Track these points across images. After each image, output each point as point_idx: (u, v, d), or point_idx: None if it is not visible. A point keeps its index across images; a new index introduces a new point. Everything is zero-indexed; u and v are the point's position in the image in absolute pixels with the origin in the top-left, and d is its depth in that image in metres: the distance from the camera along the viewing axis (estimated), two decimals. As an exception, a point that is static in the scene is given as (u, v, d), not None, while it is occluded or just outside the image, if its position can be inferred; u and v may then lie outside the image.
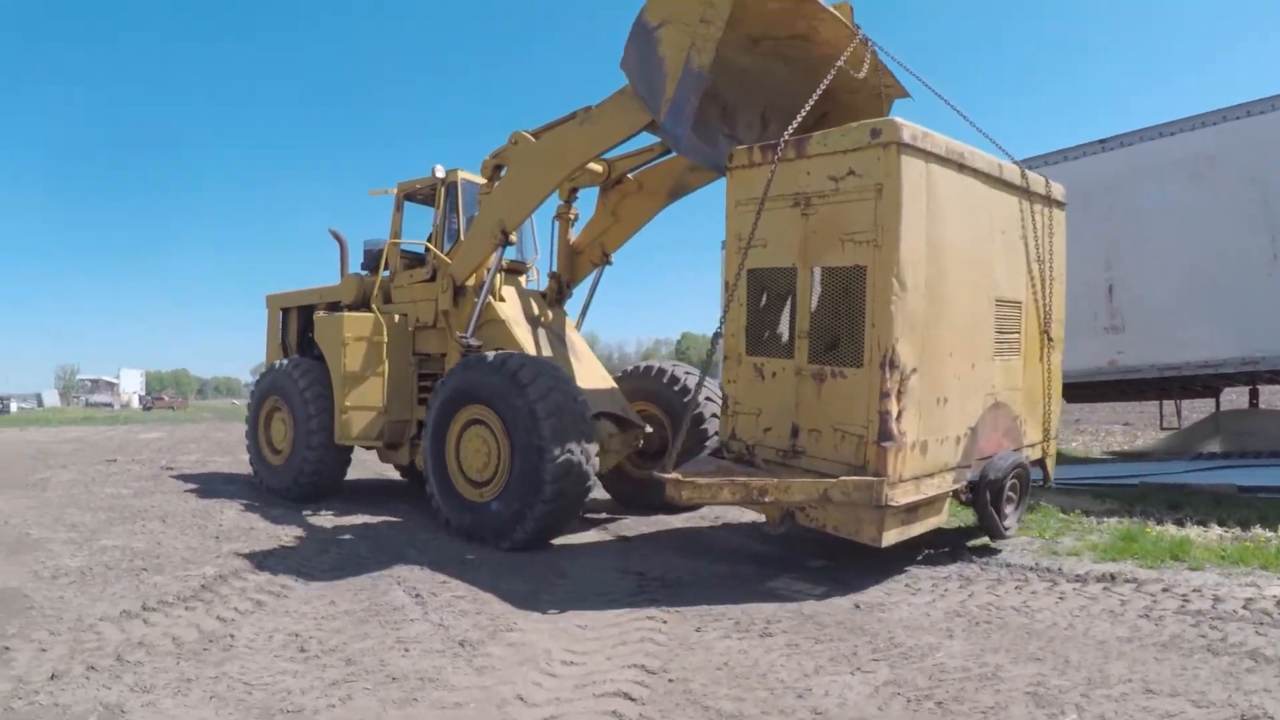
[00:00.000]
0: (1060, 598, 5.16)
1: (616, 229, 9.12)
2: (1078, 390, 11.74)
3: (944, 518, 5.98)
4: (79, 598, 5.47)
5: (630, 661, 4.22)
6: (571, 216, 9.50)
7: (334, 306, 10.05)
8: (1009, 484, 6.15)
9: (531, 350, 8.34)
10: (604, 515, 8.73)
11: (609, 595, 5.51)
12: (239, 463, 11.82)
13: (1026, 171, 6.51)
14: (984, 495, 5.99)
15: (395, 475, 11.93)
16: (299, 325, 11.16)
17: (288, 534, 7.65)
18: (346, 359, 8.88)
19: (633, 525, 8.14)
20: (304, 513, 8.79)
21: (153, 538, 7.48)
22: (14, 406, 57.05)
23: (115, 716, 3.59)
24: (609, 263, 9.40)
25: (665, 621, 4.88)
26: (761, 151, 5.94)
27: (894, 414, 5.23)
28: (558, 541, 7.22)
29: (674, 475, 5.43)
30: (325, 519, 8.50)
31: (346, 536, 7.56)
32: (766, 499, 5.42)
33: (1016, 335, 6.45)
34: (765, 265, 5.97)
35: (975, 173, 5.90)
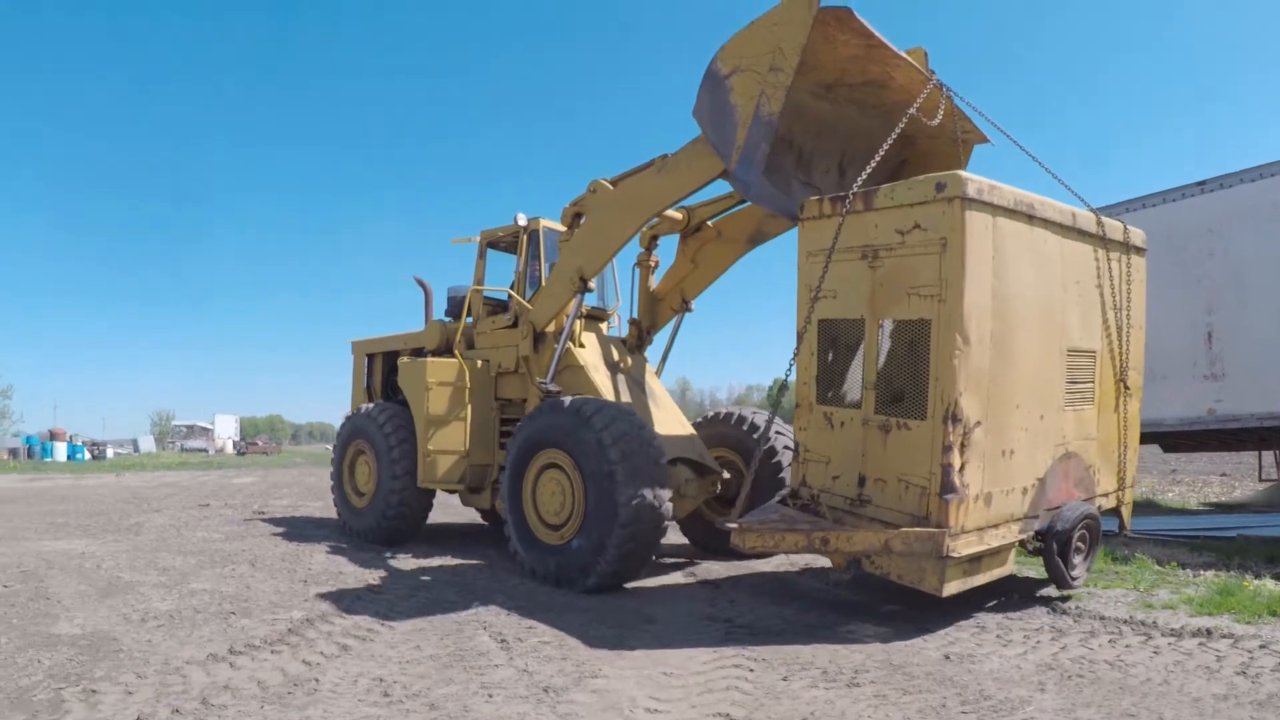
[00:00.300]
0: (1155, 652, 5.05)
1: (696, 275, 9.19)
2: (1174, 439, 11.41)
3: (1009, 568, 5.97)
4: (167, 641, 5.54)
5: (715, 710, 4.18)
6: (652, 264, 9.59)
7: (418, 352, 10.34)
8: (1077, 535, 6.09)
9: (610, 396, 8.49)
10: (684, 559, 8.85)
11: (695, 641, 5.50)
12: (330, 508, 12.04)
13: (1103, 218, 6.45)
14: (1051, 546, 5.96)
15: (478, 519, 12.19)
16: (383, 370, 11.49)
17: (375, 578, 7.79)
18: (429, 403, 9.11)
19: (716, 570, 8.18)
20: (391, 557, 8.95)
21: (242, 581, 7.62)
22: (110, 452, 58.11)
23: (197, 762, 3.59)
24: (689, 309, 9.47)
25: (751, 669, 4.85)
26: (831, 203, 6.05)
27: (956, 467, 5.28)
28: (644, 587, 7.33)
29: (738, 524, 5.59)
30: (412, 563, 8.64)
31: (433, 580, 7.69)
32: (830, 548, 5.53)
33: (1090, 384, 6.39)
34: (835, 316, 6.06)
35: (1046, 223, 5.90)
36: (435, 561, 8.75)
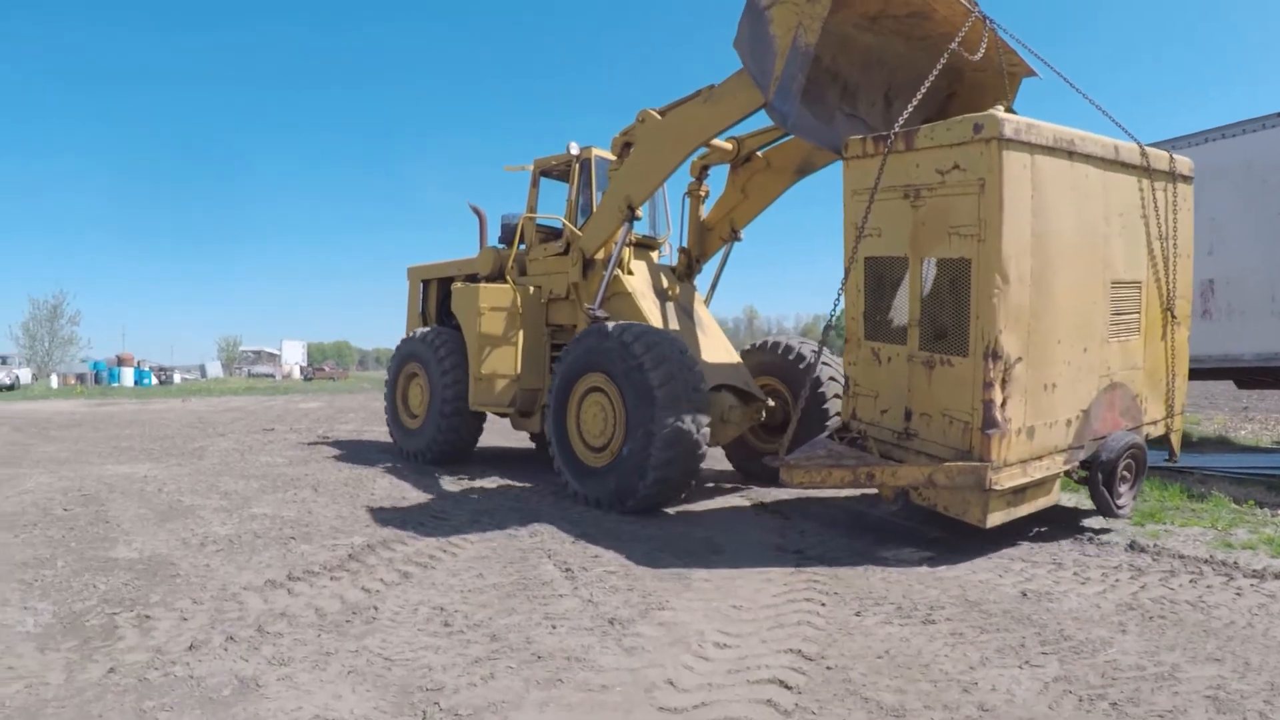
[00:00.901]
0: (1237, 594, 4.88)
1: (745, 205, 9.34)
2: (1250, 376, 11.18)
3: (1054, 498, 6.13)
4: (225, 566, 5.52)
5: (786, 646, 4.06)
6: (702, 193, 9.77)
7: (472, 278, 10.63)
8: (1122, 464, 6.20)
9: (657, 322, 8.70)
10: (745, 485, 8.96)
11: (766, 574, 5.40)
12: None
13: (1147, 149, 6.41)
14: (1096, 476, 6.10)
15: (529, 443, 12.35)
16: (438, 296, 11.79)
17: (439, 505, 7.70)
18: (481, 328, 9.43)
19: (783, 497, 8.10)
20: (455, 483, 8.96)
21: (303, 506, 7.58)
22: (178, 377, 58.34)
23: (250, 690, 3.54)
24: (738, 239, 9.63)
25: (823, 604, 4.72)
26: (874, 143, 6.14)
27: (998, 402, 5.44)
28: (711, 512, 7.41)
29: (785, 460, 5.85)
30: (474, 487, 8.65)
31: (497, 506, 7.62)
32: (875, 482, 5.76)
33: (1135, 315, 6.44)
34: (879, 254, 6.20)
35: (1088, 158, 5.92)
36: (496, 484, 8.80)
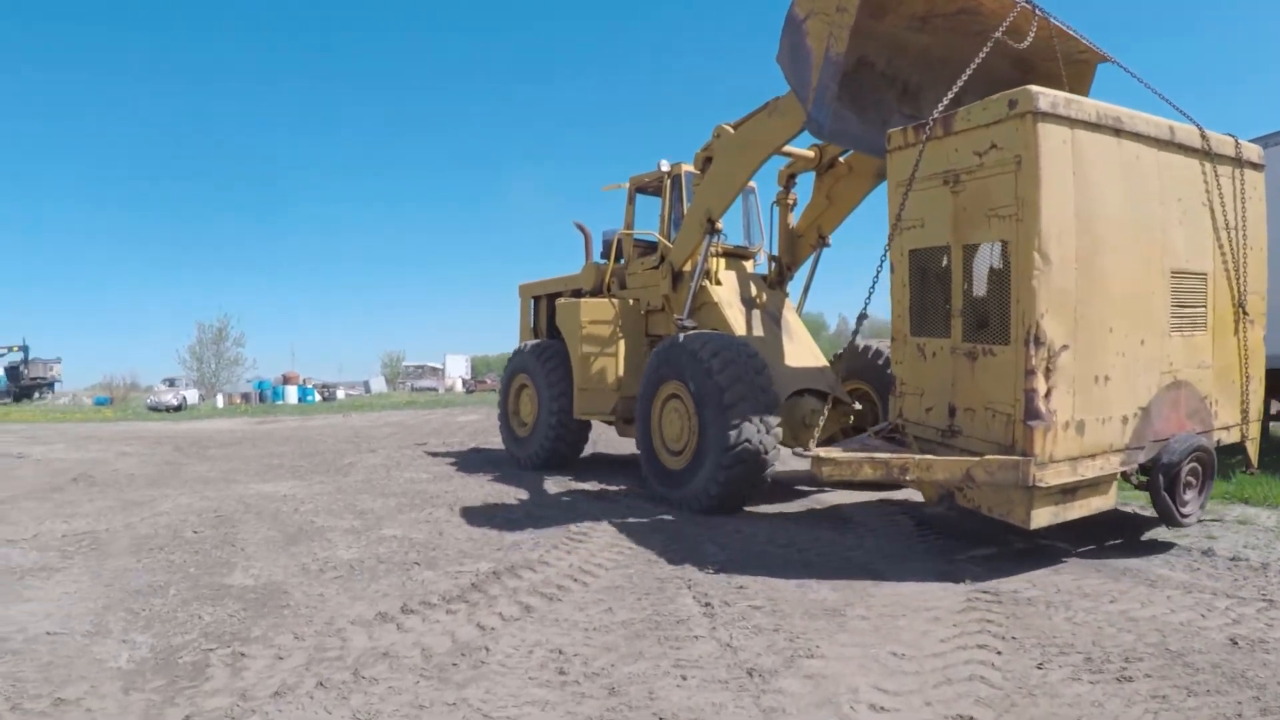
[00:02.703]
0: None
1: (831, 211, 9.39)
2: None
3: (1111, 500, 5.67)
4: (339, 595, 5.29)
5: (956, 711, 3.46)
6: (790, 201, 9.94)
7: (577, 293, 10.99)
8: (1187, 469, 5.71)
9: (742, 330, 8.90)
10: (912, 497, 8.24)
11: (932, 611, 4.73)
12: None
13: (1208, 132, 6.02)
14: (1158, 480, 5.62)
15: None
16: (547, 311, 12.13)
17: (580, 527, 7.22)
18: (583, 341, 9.78)
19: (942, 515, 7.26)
20: (600, 501, 8.59)
21: (435, 527, 7.38)
22: (341, 394, 57.51)
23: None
24: (827, 244, 9.71)
25: (999, 652, 4.08)
26: (914, 131, 5.94)
27: (1041, 392, 5.08)
28: (866, 528, 6.97)
29: (815, 452, 5.58)
30: (620, 506, 8.24)
31: (639, 527, 7.23)
32: (908, 477, 5.45)
33: (1201, 309, 5.99)
34: (923, 245, 5.96)
35: (1138, 136, 5.58)
36: (648, 509, 8.10)
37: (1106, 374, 5.39)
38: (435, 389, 71.23)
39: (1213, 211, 6.03)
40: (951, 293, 5.70)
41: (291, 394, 50.48)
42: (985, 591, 5.06)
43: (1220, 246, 6.09)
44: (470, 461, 12.58)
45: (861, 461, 5.50)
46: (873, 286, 6.01)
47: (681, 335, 8.03)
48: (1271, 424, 11.32)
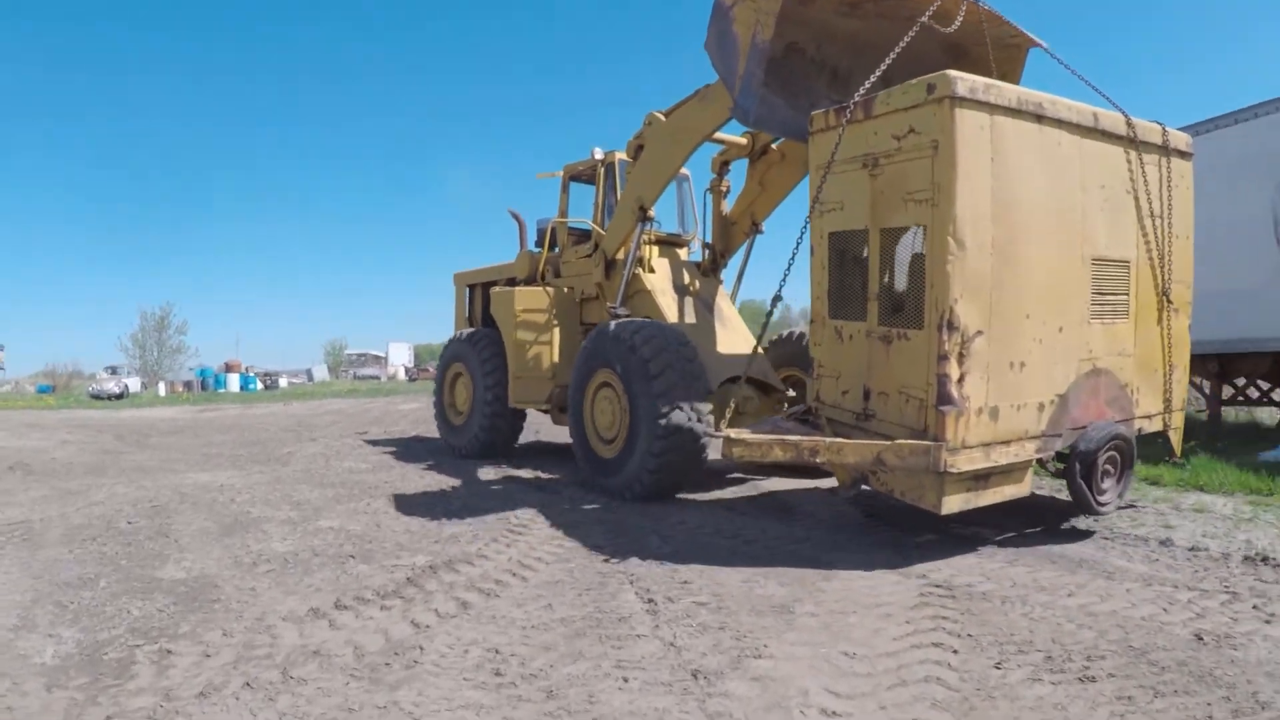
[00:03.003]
0: None
1: (764, 198, 9.35)
2: None
3: (1026, 488, 5.68)
4: (272, 590, 5.11)
5: (911, 714, 3.32)
6: (724, 189, 9.89)
7: (511, 282, 10.96)
8: (1105, 457, 5.73)
9: (674, 317, 8.88)
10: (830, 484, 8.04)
11: (883, 607, 4.55)
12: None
13: (1134, 120, 6.01)
14: (1074, 467, 5.64)
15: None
16: (482, 300, 12.11)
17: (521, 517, 7.03)
18: (517, 329, 9.76)
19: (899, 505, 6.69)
20: (542, 491, 8.34)
21: (373, 519, 7.16)
22: (284, 382, 57.50)
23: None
24: (760, 231, 9.68)
25: (955, 651, 3.92)
26: (835, 114, 5.91)
27: (954, 378, 5.07)
28: (817, 519, 6.74)
29: (726, 433, 5.56)
30: (562, 498, 7.99)
31: (582, 519, 7.01)
32: (818, 459, 5.43)
33: (1124, 296, 6.00)
34: (842, 228, 5.94)
35: (1061, 123, 5.56)
36: (586, 495, 8.05)
37: (1023, 360, 5.38)
38: (378, 377, 71.01)
39: (1137, 199, 6.03)
40: (869, 276, 5.68)
41: (234, 382, 50.76)
42: (938, 586, 4.88)
43: (1144, 235, 6.09)
44: (411, 450, 12.44)
45: (771, 443, 5.48)
46: (787, 269, 6.03)
47: (612, 323, 7.99)
48: (1224, 409, 11.59)
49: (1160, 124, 6.23)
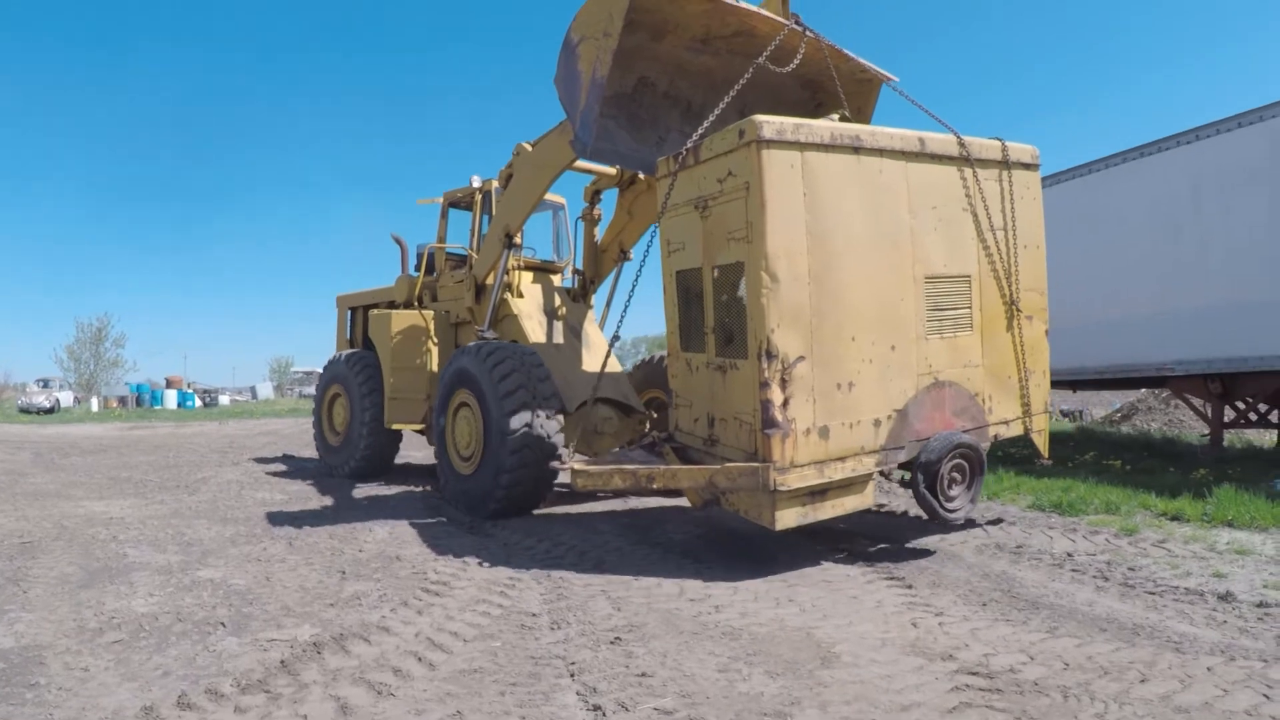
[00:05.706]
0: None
1: (632, 226, 9.73)
2: None
3: (868, 500, 5.96)
4: (107, 672, 4.03)
5: None
6: (595, 217, 10.27)
7: (391, 305, 11.29)
8: (949, 466, 5.99)
9: (541, 340, 9.22)
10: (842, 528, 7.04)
11: (911, 711, 3.37)
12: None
13: (967, 139, 6.26)
14: (918, 478, 5.92)
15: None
16: (362, 322, 12.42)
17: (442, 570, 5.93)
18: (394, 351, 10.02)
19: (906, 565, 5.85)
20: (471, 539, 7.05)
21: (265, 568, 6.07)
22: (227, 399, 56.44)
23: None
24: (628, 259, 10.06)
25: None
26: (673, 160, 6.26)
27: (777, 403, 5.41)
28: (824, 583, 5.41)
29: (570, 464, 5.97)
30: (496, 544, 6.83)
31: (519, 571, 5.87)
32: (655, 485, 5.81)
33: (965, 310, 6.25)
34: (685, 266, 6.29)
35: (883, 152, 5.85)
36: (527, 542, 6.82)
37: (850, 380, 5.68)
38: (323, 396, 71.12)
39: (975, 215, 6.27)
40: (705, 311, 6.03)
41: (171, 398, 49.11)
42: (974, 674, 3.75)
43: (986, 248, 6.33)
44: (338, 481, 11.00)
45: (611, 473, 5.88)
46: (624, 310, 6.63)
47: (472, 345, 8.27)
48: (1227, 431, 11.38)
49: (1000, 140, 6.46)
